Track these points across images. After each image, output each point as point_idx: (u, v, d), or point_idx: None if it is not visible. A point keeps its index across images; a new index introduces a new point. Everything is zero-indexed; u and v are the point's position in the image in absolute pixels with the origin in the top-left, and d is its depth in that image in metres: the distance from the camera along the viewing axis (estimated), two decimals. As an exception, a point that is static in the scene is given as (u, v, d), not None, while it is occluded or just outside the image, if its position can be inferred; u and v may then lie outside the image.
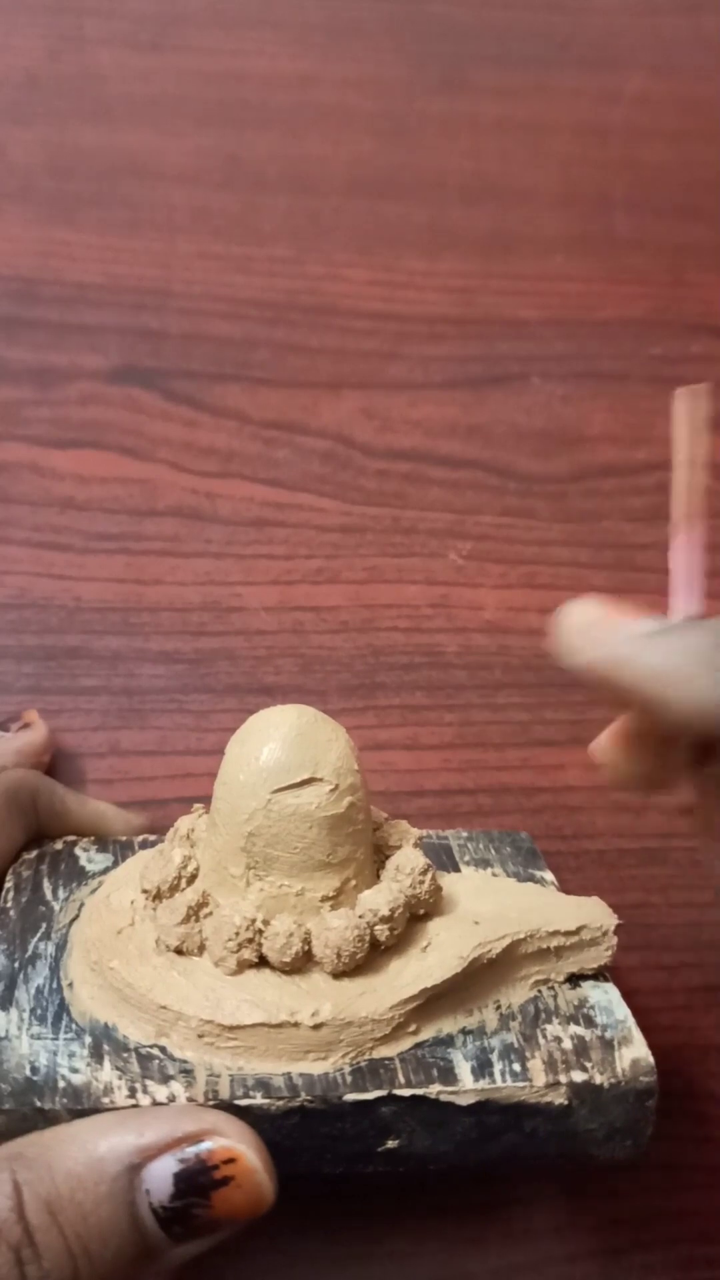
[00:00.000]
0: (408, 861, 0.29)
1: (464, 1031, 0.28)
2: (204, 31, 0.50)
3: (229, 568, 0.43)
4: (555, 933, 0.30)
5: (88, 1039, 0.27)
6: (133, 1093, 0.26)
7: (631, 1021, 0.29)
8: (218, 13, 0.50)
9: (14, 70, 0.49)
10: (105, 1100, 0.26)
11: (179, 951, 0.28)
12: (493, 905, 0.30)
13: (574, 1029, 0.29)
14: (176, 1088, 0.26)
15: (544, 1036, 0.29)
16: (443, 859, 0.34)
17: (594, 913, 0.31)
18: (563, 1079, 0.27)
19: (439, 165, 0.50)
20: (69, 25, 0.50)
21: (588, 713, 0.41)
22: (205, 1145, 0.24)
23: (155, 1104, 0.26)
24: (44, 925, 0.30)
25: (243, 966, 0.28)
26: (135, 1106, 0.26)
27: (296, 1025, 0.27)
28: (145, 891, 0.29)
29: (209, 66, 0.50)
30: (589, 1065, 0.28)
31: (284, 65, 0.50)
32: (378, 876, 0.30)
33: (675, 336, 0.49)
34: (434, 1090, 0.27)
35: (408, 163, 0.50)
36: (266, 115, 0.50)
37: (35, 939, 0.30)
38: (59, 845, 0.34)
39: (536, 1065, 0.28)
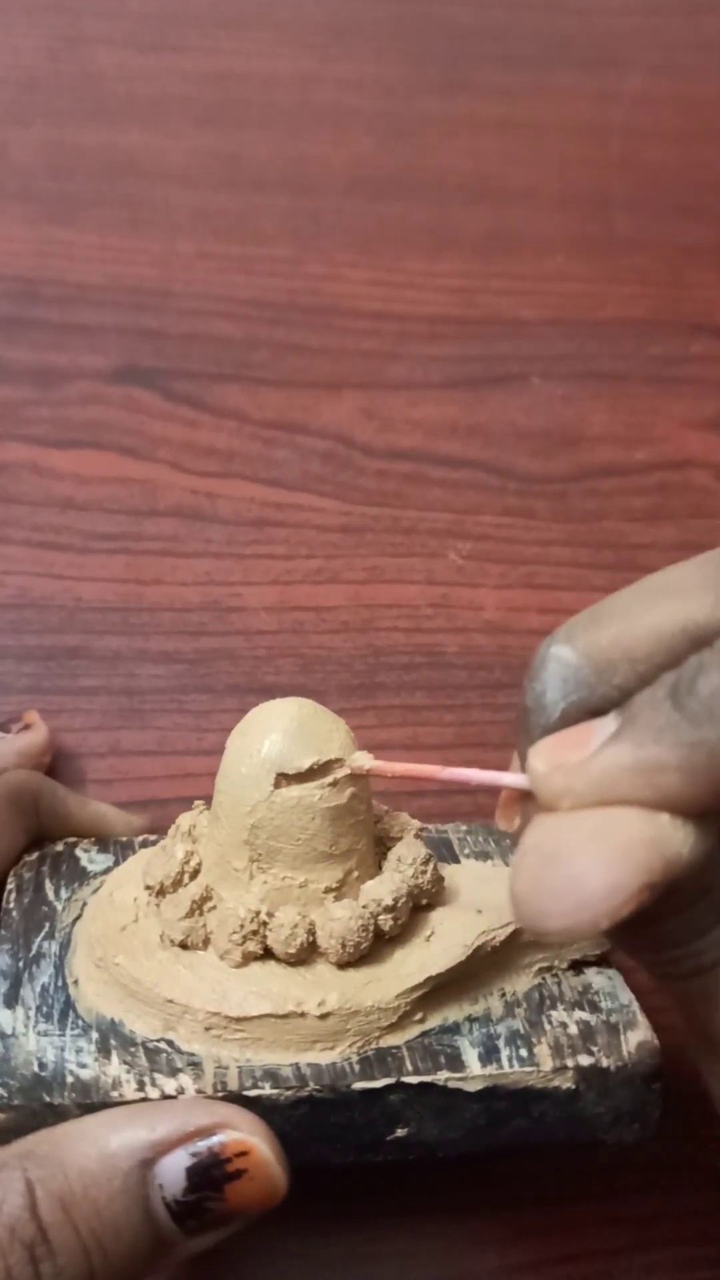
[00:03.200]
0: (409, 852, 0.30)
1: (470, 1019, 0.28)
2: (204, 31, 0.50)
3: (229, 568, 0.43)
4: None
5: (94, 1034, 0.27)
6: (141, 1086, 0.26)
7: (635, 1006, 0.29)
8: (218, 13, 0.50)
9: (14, 70, 0.49)
10: (114, 1094, 0.26)
11: (184, 946, 0.28)
12: (495, 894, 0.30)
13: (579, 1014, 0.29)
14: (185, 1080, 0.26)
15: (549, 1022, 0.29)
16: (443, 853, 0.33)
17: None
18: (569, 1063, 0.27)
19: (439, 165, 0.50)
20: (69, 25, 0.50)
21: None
22: (217, 1138, 0.24)
23: (164, 1097, 0.26)
24: (47, 925, 0.30)
25: (248, 959, 0.28)
26: (144, 1100, 0.26)
27: (303, 1015, 0.27)
28: (148, 888, 0.29)
29: (209, 66, 0.50)
30: (595, 1049, 0.28)
31: (284, 65, 0.50)
32: (380, 868, 0.30)
33: (675, 336, 0.49)
34: (442, 1077, 0.27)
35: (408, 163, 0.50)
36: (266, 115, 0.50)
37: (39, 938, 0.30)
38: (60, 847, 0.34)
39: (543, 1050, 0.28)
